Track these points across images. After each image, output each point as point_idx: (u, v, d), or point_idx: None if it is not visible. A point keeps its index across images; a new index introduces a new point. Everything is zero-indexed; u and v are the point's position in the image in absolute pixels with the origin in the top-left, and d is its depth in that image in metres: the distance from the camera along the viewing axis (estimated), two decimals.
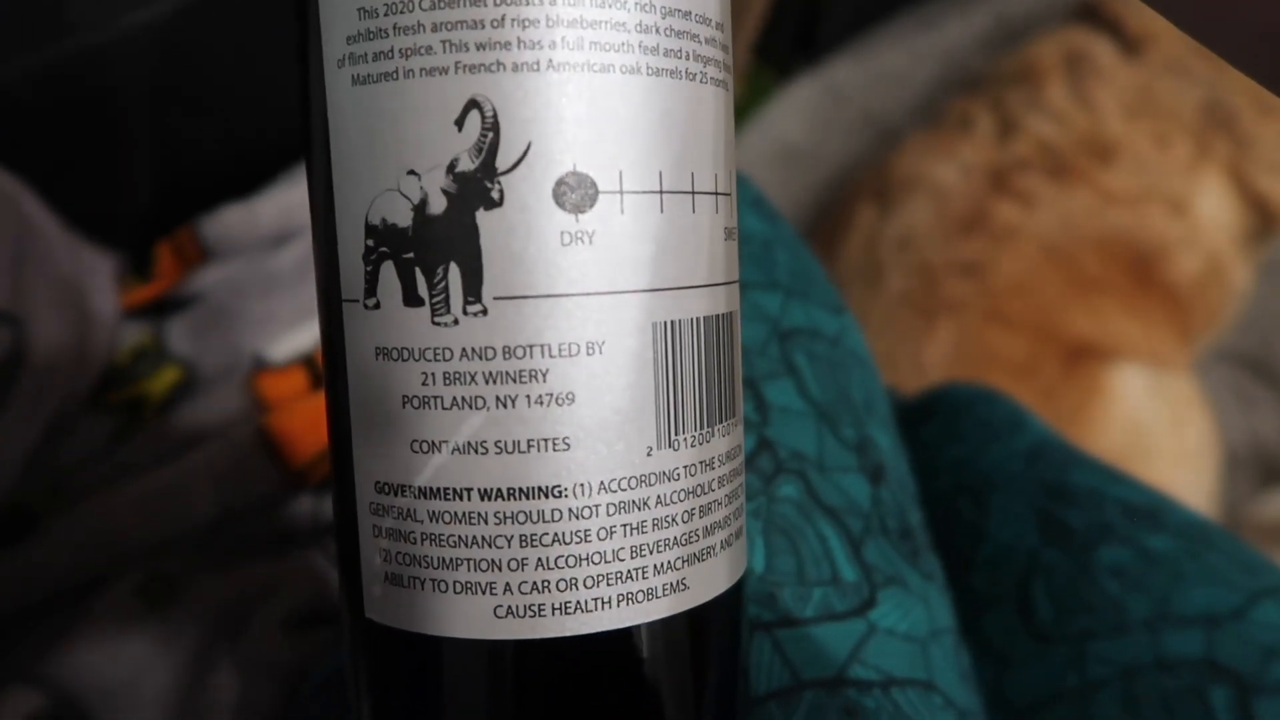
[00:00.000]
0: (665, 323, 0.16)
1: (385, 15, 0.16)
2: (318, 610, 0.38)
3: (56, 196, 0.43)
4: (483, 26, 0.15)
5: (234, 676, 0.36)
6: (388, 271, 0.16)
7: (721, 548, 0.18)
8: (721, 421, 0.17)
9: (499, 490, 0.16)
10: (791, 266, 0.31)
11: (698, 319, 0.17)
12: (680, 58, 0.16)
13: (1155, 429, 0.70)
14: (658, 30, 0.16)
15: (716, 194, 0.17)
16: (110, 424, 0.39)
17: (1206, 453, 0.73)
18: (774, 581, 0.24)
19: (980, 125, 0.82)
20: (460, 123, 0.15)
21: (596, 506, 0.16)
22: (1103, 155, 0.77)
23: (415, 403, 0.16)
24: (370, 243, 0.16)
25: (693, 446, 0.17)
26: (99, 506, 0.37)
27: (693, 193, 0.17)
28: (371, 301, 0.16)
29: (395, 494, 0.17)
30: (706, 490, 0.17)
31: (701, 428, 0.17)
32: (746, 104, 1.06)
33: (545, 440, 0.16)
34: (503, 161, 0.15)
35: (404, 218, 0.16)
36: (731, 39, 0.18)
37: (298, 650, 0.36)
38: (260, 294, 0.43)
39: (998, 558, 0.34)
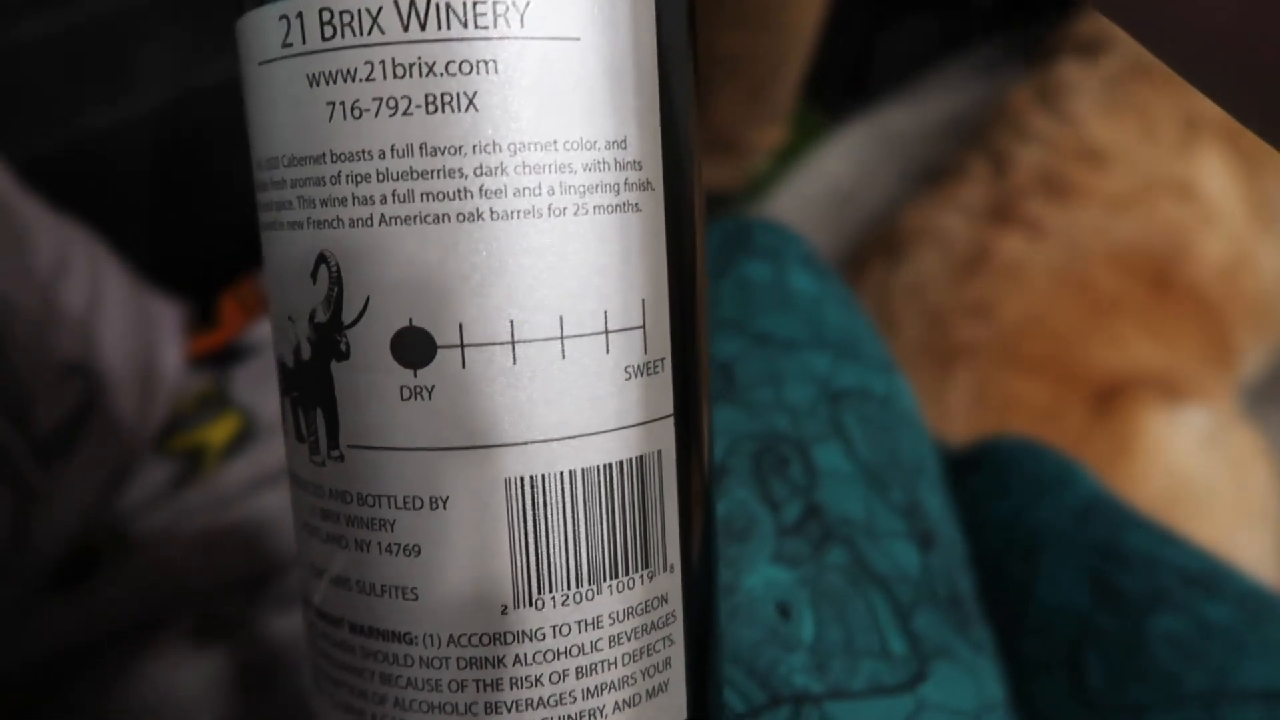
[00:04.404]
0: (524, 478, 0.15)
1: (267, 169, 0.16)
2: None
3: (127, 247, 0.45)
4: (324, 183, 0.15)
5: (285, 716, 0.36)
6: (287, 406, 0.17)
7: (616, 710, 0.16)
8: (616, 577, 0.16)
9: (363, 626, 0.16)
10: (842, 325, 0.31)
11: (574, 471, 0.15)
12: (539, 194, 0.15)
13: (1208, 481, 0.67)
14: (504, 171, 0.14)
15: (606, 333, 0.16)
16: (172, 470, 0.40)
17: (1272, 508, 0.70)
18: (824, 651, 0.24)
19: (974, 169, 0.82)
20: (314, 276, 0.15)
21: (446, 659, 0.15)
22: (1096, 160, 0.77)
23: (307, 530, 0.17)
24: (280, 376, 0.17)
25: (566, 605, 0.16)
26: (159, 551, 0.38)
27: (562, 338, 0.15)
28: (286, 429, 0.17)
29: (307, 606, 0.17)
30: (589, 650, 0.16)
31: (579, 585, 0.16)
32: (796, 146, 1.07)
33: (396, 588, 0.16)
34: (347, 315, 0.15)
35: (290, 359, 0.16)
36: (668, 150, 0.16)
37: None
38: None
39: (1048, 622, 0.34)
